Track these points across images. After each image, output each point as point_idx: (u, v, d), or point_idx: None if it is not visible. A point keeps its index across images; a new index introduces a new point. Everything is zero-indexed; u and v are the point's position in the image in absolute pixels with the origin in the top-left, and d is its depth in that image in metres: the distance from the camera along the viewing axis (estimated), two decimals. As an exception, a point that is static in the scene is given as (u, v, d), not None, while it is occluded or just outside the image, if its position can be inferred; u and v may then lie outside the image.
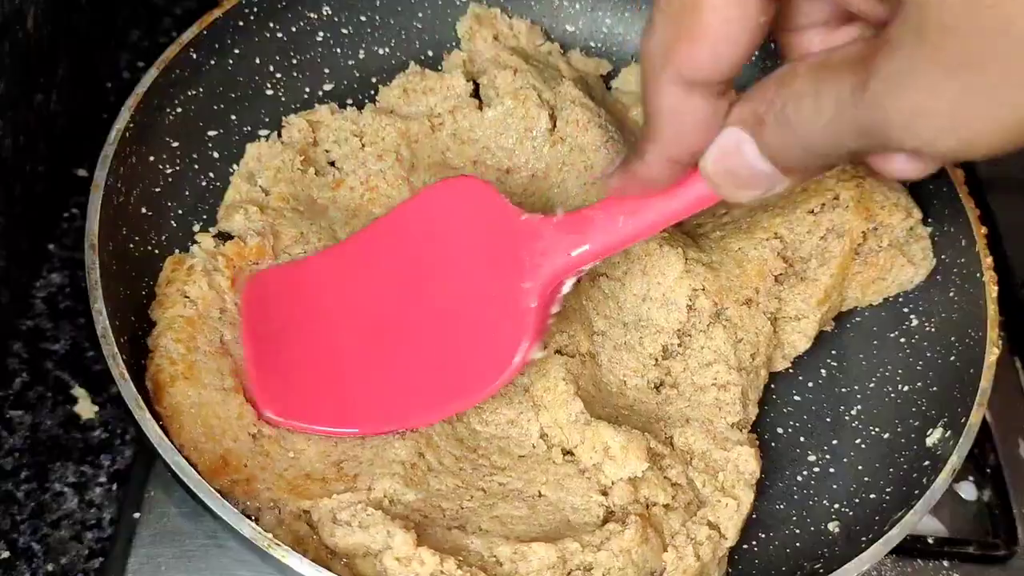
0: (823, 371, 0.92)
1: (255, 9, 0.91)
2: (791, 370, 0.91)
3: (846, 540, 0.80)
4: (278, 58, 0.94)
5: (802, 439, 0.88)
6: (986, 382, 0.80)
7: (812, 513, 0.84)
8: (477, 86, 0.98)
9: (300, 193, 0.89)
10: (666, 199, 0.64)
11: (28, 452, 0.80)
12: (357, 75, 0.99)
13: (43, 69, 0.86)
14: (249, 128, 0.92)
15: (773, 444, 0.87)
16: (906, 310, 0.92)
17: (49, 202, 0.92)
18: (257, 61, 0.92)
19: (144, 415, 0.67)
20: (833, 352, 0.93)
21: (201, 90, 0.88)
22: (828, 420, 0.89)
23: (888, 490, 0.82)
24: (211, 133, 0.89)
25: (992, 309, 0.83)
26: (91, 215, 0.75)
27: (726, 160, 0.56)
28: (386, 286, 0.80)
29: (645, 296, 0.86)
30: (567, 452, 0.79)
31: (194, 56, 0.87)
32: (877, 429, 0.87)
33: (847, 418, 0.89)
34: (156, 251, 0.82)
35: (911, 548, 0.87)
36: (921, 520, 0.74)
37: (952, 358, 0.86)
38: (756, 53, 0.54)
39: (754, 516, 0.80)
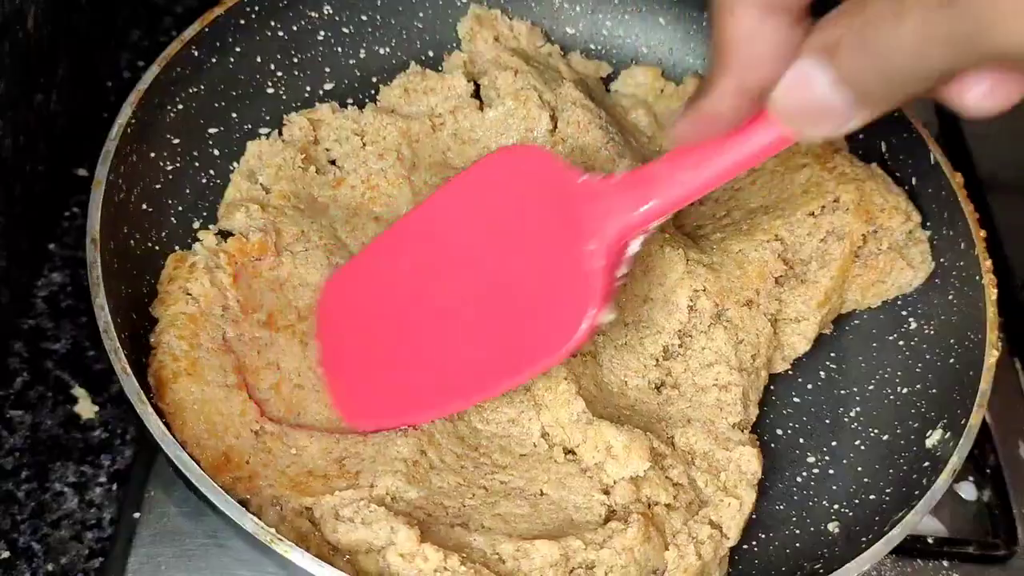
0: (822, 373, 0.92)
1: (257, 7, 0.91)
2: (791, 372, 0.91)
3: (846, 540, 0.80)
4: (279, 57, 0.94)
5: (802, 440, 0.89)
6: (986, 384, 0.80)
7: (812, 514, 0.84)
8: (478, 87, 0.98)
9: (301, 191, 0.89)
10: (732, 144, 0.61)
11: (28, 452, 0.80)
12: (358, 75, 0.99)
13: (43, 69, 0.86)
14: (250, 126, 0.92)
15: (773, 445, 0.87)
16: (905, 313, 0.92)
17: (49, 202, 0.92)
18: (258, 59, 0.92)
19: (146, 409, 0.67)
20: (832, 354, 0.93)
21: (202, 87, 0.88)
22: (828, 422, 0.89)
23: (888, 491, 0.82)
24: (212, 131, 0.89)
25: (992, 311, 0.83)
26: (92, 211, 0.75)
27: (798, 92, 0.53)
28: (444, 261, 0.79)
29: (646, 297, 0.86)
30: (568, 451, 0.79)
31: (195, 53, 0.87)
32: (876, 431, 0.88)
33: (846, 420, 0.89)
34: (157, 248, 0.82)
35: (911, 548, 0.87)
36: (921, 520, 0.74)
37: (951, 360, 0.86)
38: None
39: (754, 516, 0.80)
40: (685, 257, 0.86)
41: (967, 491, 0.93)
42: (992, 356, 0.81)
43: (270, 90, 0.94)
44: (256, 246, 0.83)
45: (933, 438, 0.82)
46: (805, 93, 0.53)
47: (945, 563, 0.88)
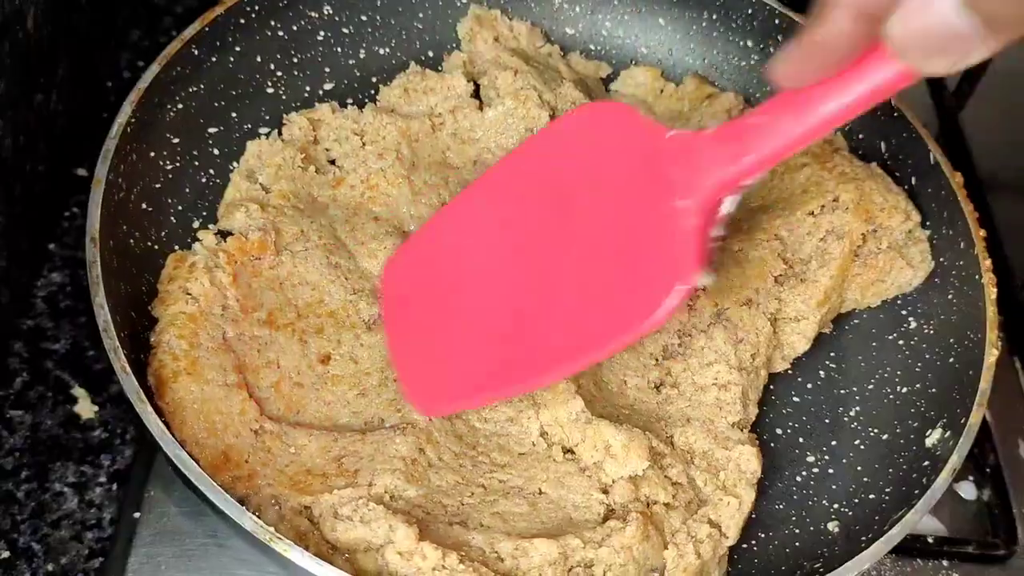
0: (822, 372, 0.92)
1: (257, 7, 0.91)
2: (790, 371, 0.91)
3: (846, 540, 0.80)
4: (279, 56, 0.94)
5: (801, 440, 0.89)
6: (986, 383, 0.80)
7: (811, 513, 0.84)
8: (477, 87, 0.98)
9: (300, 191, 0.89)
10: (842, 85, 0.56)
11: (28, 452, 0.80)
12: (358, 74, 0.99)
13: (43, 69, 0.86)
14: (250, 126, 0.92)
15: (772, 445, 0.87)
16: (905, 312, 0.92)
17: (49, 202, 0.92)
18: (258, 59, 0.93)
19: (146, 408, 0.67)
20: (832, 354, 0.93)
21: (202, 87, 0.88)
22: (827, 421, 0.89)
23: (887, 490, 0.82)
24: (212, 130, 0.89)
25: (991, 311, 0.83)
26: (92, 210, 0.75)
27: (917, 17, 0.48)
28: (520, 227, 0.74)
29: (646, 296, 0.86)
30: (567, 450, 0.79)
31: (195, 53, 0.87)
32: (876, 430, 0.88)
33: (846, 419, 0.89)
34: (156, 247, 0.83)
35: (911, 548, 0.87)
36: (921, 520, 0.74)
37: (951, 360, 0.86)
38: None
39: (754, 516, 0.80)
40: (685, 256, 0.86)
41: (967, 490, 0.93)
42: (992, 355, 0.81)
43: (270, 90, 0.94)
44: (256, 245, 0.83)
45: (933, 437, 0.82)
46: (927, 18, 0.48)
47: (945, 563, 0.88)
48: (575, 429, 0.78)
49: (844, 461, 0.87)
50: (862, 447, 0.87)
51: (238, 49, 0.91)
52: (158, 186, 0.84)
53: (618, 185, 0.69)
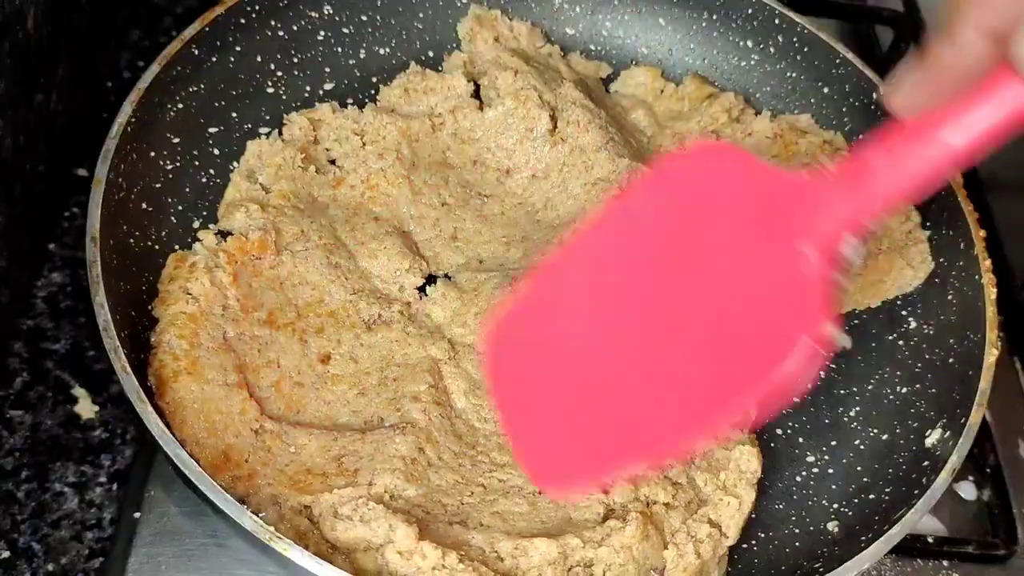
0: (822, 373, 0.92)
1: (257, 7, 0.91)
2: (790, 371, 0.91)
3: (845, 539, 0.80)
4: (279, 56, 0.94)
5: (801, 440, 0.88)
6: (985, 383, 0.80)
7: (811, 513, 0.84)
8: (478, 87, 0.99)
9: (300, 191, 0.89)
10: (966, 112, 0.51)
11: (28, 452, 0.80)
12: (358, 74, 0.99)
13: (43, 69, 0.86)
14: (250, 125, 0.92)
15: (772, 445, 0.87)
16: (904, 312, 0.92)
17: (49, 202, 0.92)
18: (258, 59, 0.93)
19: (146, 408, 0.67)
20: (832, 354, 0.93)
21: (202, 87, 0.88)
22: (827, 421, 0.89)
23: (887, 490, 0.82)
24: (212, 130, 0.89)
25: (991, 311, 0.83)
26: (92, 210, 0.75)
27: None
28: (630, 283, 0.67)
29: (646, 296, 0.86)
30: (567, 450, 0.79)
31: (196, 52, 0.87)
32: (876, 430, 0.87)
33: (846, 419, 0.89)
34: (156, 247, 0.83)
35: (911, 547, 0.87)
36: (921, 519, 0.74)
37: (951, 360, 0.86)
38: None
39: (753, 516, 0.80)
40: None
41: (967, 490, 0.93)
42: (992, 355, 0.81)
43: (270, 90, 0.94)
44: (256, 245, 0.83)
45: (933, 437, 0.82)
46: None
47: (945, 563, 0.88)
48: (575, 428, 0.78)
49: (844, 461, 0.87)
50: (862, 447, 0.87)
51: (238, 49, 0.91)
52: (158, 186, 0.84)
53: (734, 232, 0.63)
